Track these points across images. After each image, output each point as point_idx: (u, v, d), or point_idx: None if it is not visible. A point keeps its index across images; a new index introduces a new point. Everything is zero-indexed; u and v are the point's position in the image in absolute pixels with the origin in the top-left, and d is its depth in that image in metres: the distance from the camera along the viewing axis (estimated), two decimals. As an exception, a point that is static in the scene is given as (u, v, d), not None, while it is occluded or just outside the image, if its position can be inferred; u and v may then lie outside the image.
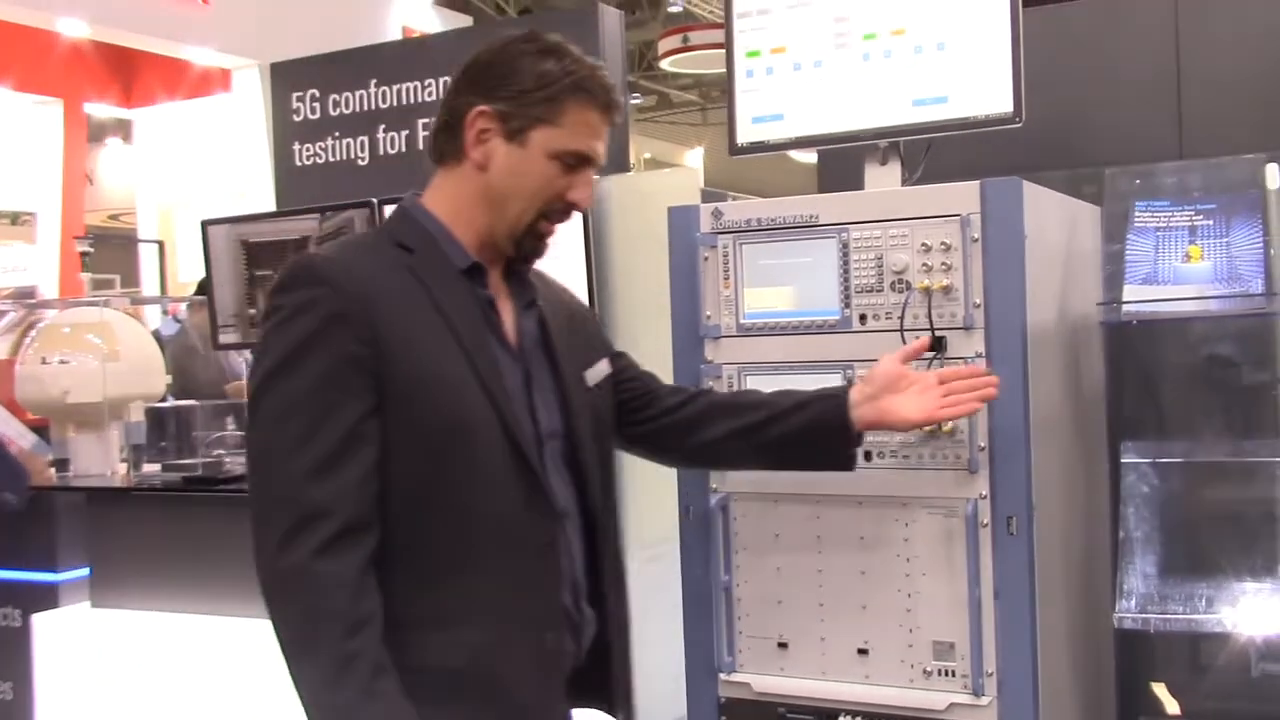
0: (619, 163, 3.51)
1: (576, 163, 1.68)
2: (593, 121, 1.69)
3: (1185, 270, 2.56)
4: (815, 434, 1.93)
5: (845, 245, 2.26)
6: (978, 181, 2.17)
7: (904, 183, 2.46)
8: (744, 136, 2.56)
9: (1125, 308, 2.54)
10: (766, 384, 2.23)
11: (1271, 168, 2.47)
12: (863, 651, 2.25)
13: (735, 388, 2.32)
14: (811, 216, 2.30)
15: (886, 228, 2.23)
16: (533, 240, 1.71)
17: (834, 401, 1.93)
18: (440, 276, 1.65)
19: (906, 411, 1.91)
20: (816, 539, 2.29)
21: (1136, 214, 2.64)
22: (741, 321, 2.35)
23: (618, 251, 3.45)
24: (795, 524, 2.30)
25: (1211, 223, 2.59)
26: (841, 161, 2.67)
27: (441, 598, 1.59)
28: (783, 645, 2.33)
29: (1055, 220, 2.47)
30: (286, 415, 1.54)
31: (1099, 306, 2.60)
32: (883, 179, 2.47)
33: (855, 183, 2.51)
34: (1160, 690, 2.79)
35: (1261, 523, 2.53)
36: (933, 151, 2.47)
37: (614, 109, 1.72)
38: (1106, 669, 2.75)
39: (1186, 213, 2.60)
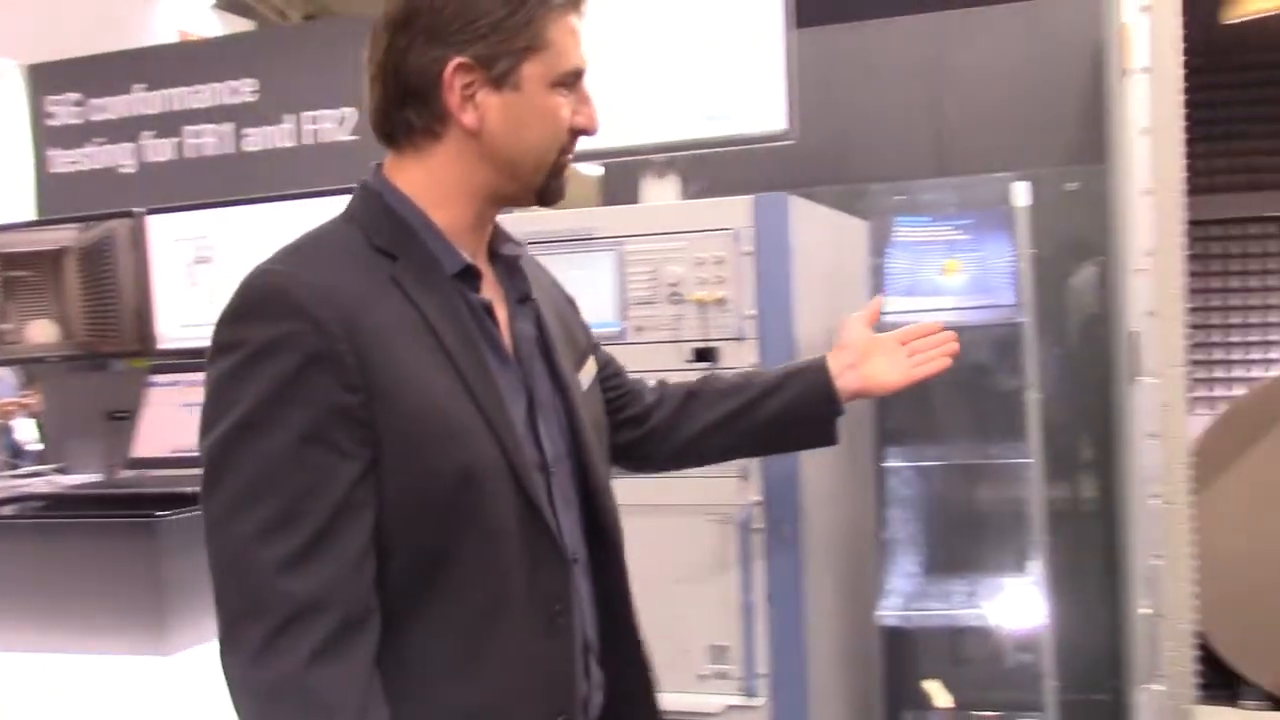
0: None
1: (575, 81, 1.41)
2: (574, 26, 1.41)
3: (942, 282, 2.70)
4: (800, 411, 1.79)
5: (622, 258, 2.29)
6: (750, 196, 2.22)
7: (683, 197, 2.50)
8: (524, 149, 2.55)
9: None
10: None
11: (1019, 186, 2.63)
12: (642, 659, 2.27)
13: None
14: (589, 230, 2.31)
15: (662, 240, 2.27)
16: (556, 183, 1.44)
17: (816, 375, 1.80)
18: (430, 288, 1.34)
19: (887, 376, 1.82)
20: (596, 549, 2.30)
21: (897, 229, 2.77)
22: (520, 334, 2.34)
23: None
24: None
25: (967, 237, 2.75)
26: (626, 175, 2.70)
27: (446, 689, 1.32)
28: (564, 657, 2.32)
29: (825, 234, 2.56)
30: (260, 489, 1.22)
31: (864, 317, 2.71)
32: (661, 193, 2.51)
33: (639, 196, 2.54)
34: (935, 686, 2.93)
35: (1013, 521, 2.68)
36: (717, 167, 2.52)
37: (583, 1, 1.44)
38: (876, 666, 2.86)
39: (943, 228, 2.75)
